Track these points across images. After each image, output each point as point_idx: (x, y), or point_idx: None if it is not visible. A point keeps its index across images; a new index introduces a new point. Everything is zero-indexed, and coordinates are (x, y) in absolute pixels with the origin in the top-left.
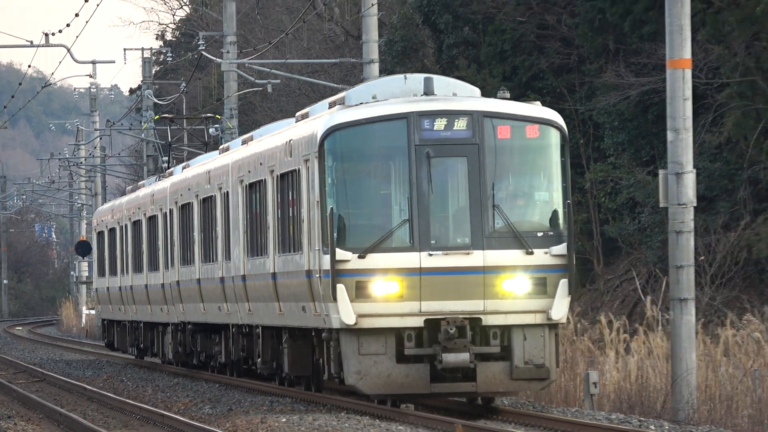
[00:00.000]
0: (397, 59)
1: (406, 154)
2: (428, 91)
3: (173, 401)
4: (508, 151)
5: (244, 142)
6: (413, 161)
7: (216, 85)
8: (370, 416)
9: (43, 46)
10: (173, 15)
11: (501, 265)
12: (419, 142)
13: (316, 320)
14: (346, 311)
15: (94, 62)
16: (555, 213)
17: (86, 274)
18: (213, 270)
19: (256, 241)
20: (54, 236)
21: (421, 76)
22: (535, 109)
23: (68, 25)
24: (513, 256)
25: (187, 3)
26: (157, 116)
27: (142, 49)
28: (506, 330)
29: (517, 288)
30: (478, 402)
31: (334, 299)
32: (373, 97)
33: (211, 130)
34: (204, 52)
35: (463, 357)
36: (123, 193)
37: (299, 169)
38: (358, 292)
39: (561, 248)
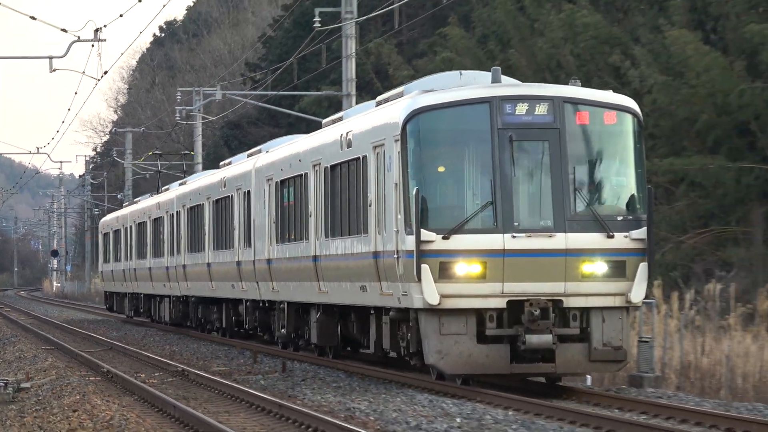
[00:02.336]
0: (212, 164)
1: (489, 138)
2: (496, 80)
3: (126, 337)
4: (587, 136)
5: (250, 155)
6: (496, 144)
7: (121, 174)
8: (386, 382)
9: (36, 153)
10: (101, 138)
11: (582, 248)
12: (502, 126)
13: (384, 299)
14: (430, 291)
15: (61, 162)
16: (633, 197)
17: (56, 266)
18: (228, 255)
19: (287, 229)
20: (40, 247)
21: (477, 72)
22: (611, 96)
23: (48, 144)
24: (594, 239)
25: (108, 133)
26: (151, 152)
27: (86, 156)
28: (585, 312)
29: (597, 270)
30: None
31: (419, 279)
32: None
33: (119, 195)
34: (116, 158)
35: (546, 338)
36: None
37: (365, 157)
38: (442, 273)
39: (641, 232)
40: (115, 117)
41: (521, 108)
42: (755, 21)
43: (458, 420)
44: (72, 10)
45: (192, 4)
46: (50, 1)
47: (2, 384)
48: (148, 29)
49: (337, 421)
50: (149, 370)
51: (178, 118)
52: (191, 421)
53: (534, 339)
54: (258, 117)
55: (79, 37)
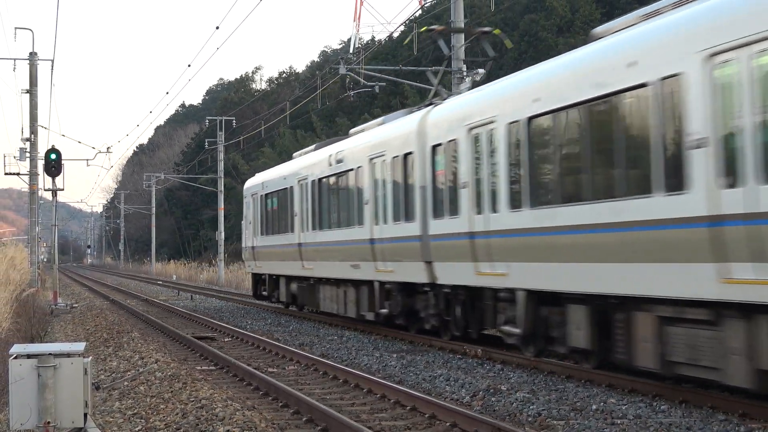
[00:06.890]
0: (163, 212)
1: None
2: None
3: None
4: None
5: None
6: None
7: (119, 213)
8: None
9: (79, 202)
10: (110, 195)
11: None
12: None
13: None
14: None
15: (92, 206)
16: None
17: (89, 252)
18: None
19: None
20: (82, 244)
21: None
22: None
23: (86, 197)
24: None
25: (112, 193)
26: (425, 28)
27: (102, 203)
28: None
29: None
30: None
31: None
32: None
33: (116, 221)
34: (116, 204)
35: None
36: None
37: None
38: None
39: None
40: (115, 186)
41: None
42: None
43: (269, 320)
44: (95, 131)
45: (150, 136)
46: (88, 128)
47: (65, 305)
48: (131, 148)
49: (214, 321)
50: (132, 299)
51: (145, 187)
52: (149, 321)
53: None
54: (180, 187)
55: (99, 150)
